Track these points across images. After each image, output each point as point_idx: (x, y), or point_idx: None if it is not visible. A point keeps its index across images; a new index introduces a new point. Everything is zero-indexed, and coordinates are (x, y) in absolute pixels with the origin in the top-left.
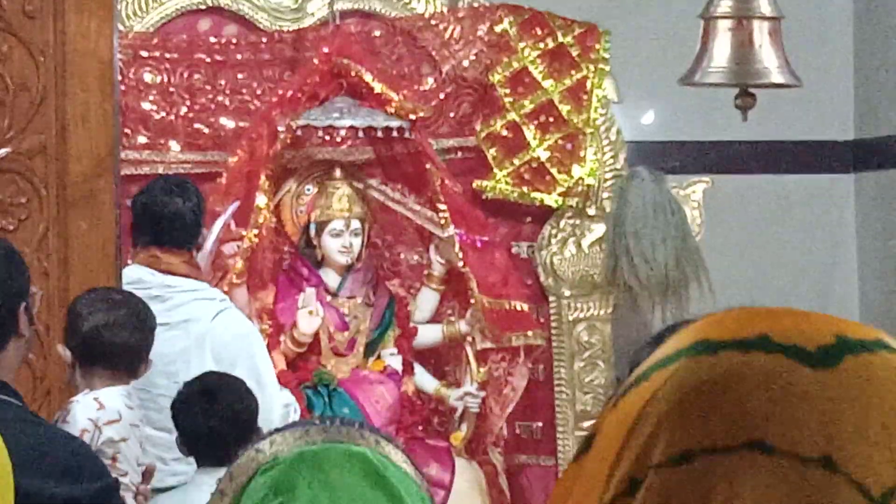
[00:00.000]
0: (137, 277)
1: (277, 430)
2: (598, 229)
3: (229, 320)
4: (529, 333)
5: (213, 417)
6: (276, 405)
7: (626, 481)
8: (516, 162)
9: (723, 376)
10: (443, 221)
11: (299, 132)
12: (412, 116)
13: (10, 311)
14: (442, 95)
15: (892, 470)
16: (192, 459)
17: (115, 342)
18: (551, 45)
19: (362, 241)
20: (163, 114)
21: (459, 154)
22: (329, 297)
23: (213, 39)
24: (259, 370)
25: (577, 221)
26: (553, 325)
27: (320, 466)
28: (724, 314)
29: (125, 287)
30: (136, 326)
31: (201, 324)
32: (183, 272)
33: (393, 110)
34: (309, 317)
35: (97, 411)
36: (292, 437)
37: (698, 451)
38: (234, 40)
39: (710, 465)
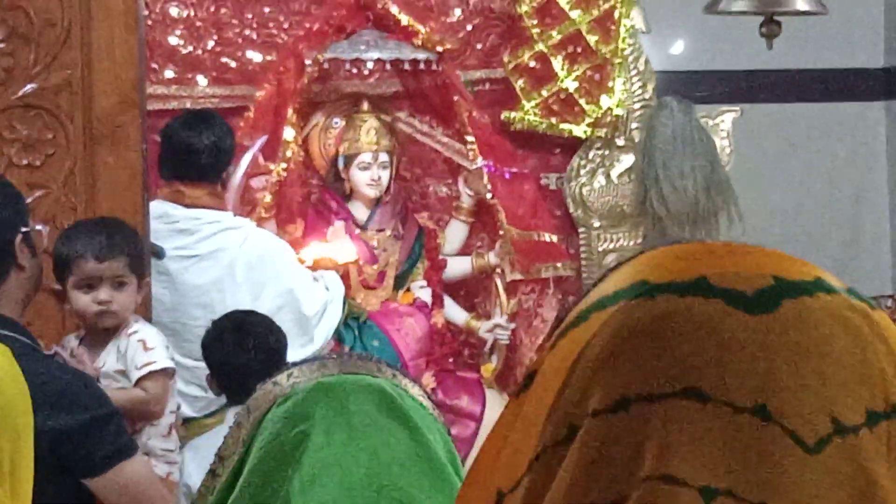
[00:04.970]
0: (162, 212)
1: (295, 364)
2: (627, 160)
3: (254, 244)
4: (559, 265)
5: (244, 353)
6: (317, 303)
7: (565, 428)
8: (544, 93)
9: (660, 322)
10: (471, 153)
11: (326, 65)
12: (439, 48)
13: (6, 243)
14: (469, 27)
15: (825, 418)
16: None
17: None
18: None
19: (391, 174)
20: (190, 48)
21: (487, 86)
22: (358, 231)
23: None
24: (289, 285)
25: (606, 152)
26: (583, 255)
27: (337, 396)
28: (664, 253)
29: (152, 222)
30: None
31: (230, 252)
32: (208, 204)
33: (420, 42)
34: (344, 247)
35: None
36: (309, 370)
37: (634, 399)
38: None
39: (646, 412)
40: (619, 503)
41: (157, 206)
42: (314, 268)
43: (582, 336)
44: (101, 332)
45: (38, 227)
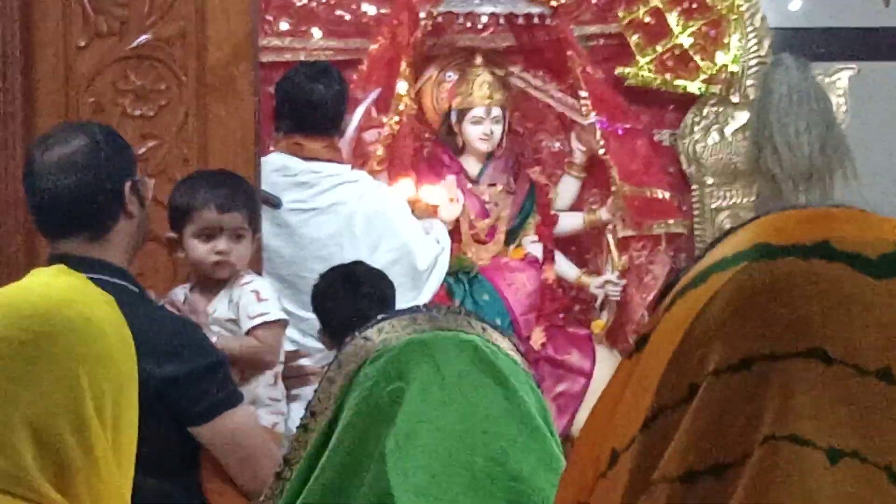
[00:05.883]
0: (282, 164)
1: (385, 318)
2: (742, 117)
3: (372, 198)
4: (671, 221)
5: (356, 301)
6: (429, 257)
7: (683, 387)
8: (659, 49)
9: (783, 283)
10: (584, 109)
11: (440, 19)
12: (554, 3)
13: (116, 190)
14: None
15: None
16: None
17: None
18: None
19: (503, 129)
20: (304, 0)
21: (601, 41)
22: (470, 185)
23: None
24: (405, 238)
25: (721, 109)
26: (695, 213)
27: (431, 353)
28: (784, 216)
29: (270, 174)
30: None
31: (348, 206)
32: (326, 157)
33: None
34: (450, 204)
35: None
36: (400, 325)
37: (756, 358)
38: None
39: (768, 371)
40: (740, 462)
41: (275, 159)
42: (413, 207)
43: (701, 296)
44: (212, 281)
45: (146, 179)
